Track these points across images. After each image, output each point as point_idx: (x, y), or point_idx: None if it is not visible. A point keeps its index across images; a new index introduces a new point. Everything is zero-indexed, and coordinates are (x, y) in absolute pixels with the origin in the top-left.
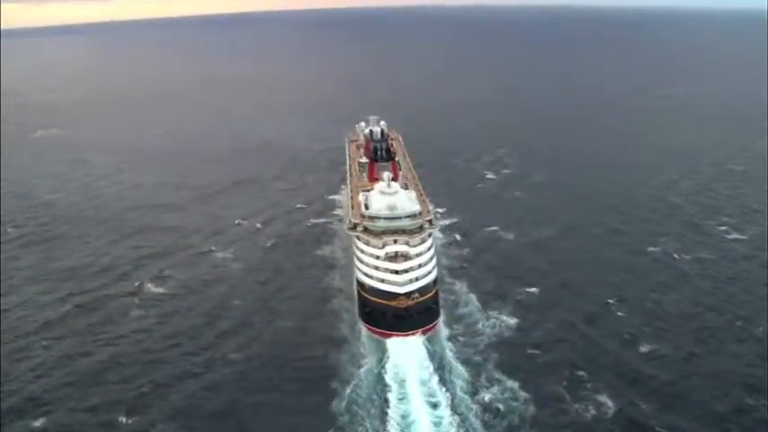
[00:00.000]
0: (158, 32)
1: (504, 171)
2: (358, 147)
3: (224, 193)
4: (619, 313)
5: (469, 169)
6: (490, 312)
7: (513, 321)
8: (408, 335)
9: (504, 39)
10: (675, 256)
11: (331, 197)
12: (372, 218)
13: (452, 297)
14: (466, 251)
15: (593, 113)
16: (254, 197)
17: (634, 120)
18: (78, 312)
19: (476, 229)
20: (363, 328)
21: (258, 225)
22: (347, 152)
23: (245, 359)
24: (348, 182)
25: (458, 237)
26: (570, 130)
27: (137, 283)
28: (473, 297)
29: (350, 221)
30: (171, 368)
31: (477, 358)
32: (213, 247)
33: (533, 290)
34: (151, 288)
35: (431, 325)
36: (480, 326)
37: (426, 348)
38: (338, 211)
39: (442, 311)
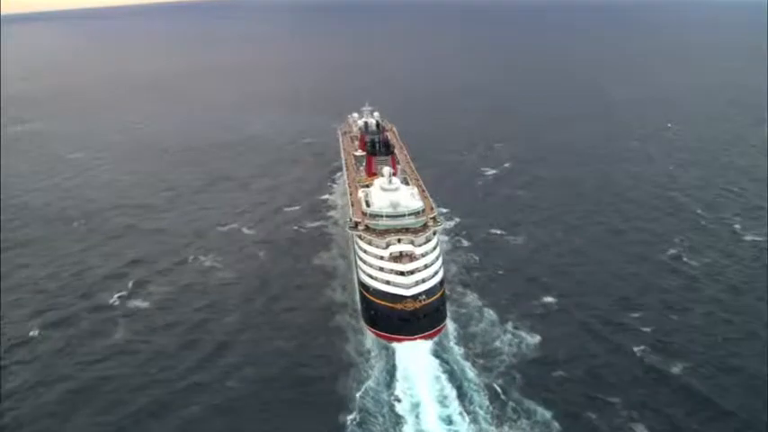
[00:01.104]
0: (144, 21)
1: (504, 165)
2: (352, 139)
3: (206, 192)
4: (642, 328)
5: (467, 164)
6: (507, 327)
7: (532, 337)
8: (416, 339)
9: (502, 27)
10: (688, 260)
11: (323, 197)
12: (374, 216)
13: (464, 311)
14: (473, 257)
15: (591, 104)
16: (238, 197)
17: (633, 110)
18: (51, 331)
19: (481, 231)
20: (368, 332)
21: (245, 229)
22: (341, 145)
23: (236, 384)
24: (345, 177)
25: (463, 241)
26: (568, 123)
27: (114, 297)
28: (487, 310)
29: (350, 220)
30: (153, 396)
31: (500, 381)
32: (198, 255)
33: (549, 300)
34: (130, 302)
35: (438, 328)
36: (498, 343)
37: (441, 368)
38: (332, 213)
39: (455, 326)
